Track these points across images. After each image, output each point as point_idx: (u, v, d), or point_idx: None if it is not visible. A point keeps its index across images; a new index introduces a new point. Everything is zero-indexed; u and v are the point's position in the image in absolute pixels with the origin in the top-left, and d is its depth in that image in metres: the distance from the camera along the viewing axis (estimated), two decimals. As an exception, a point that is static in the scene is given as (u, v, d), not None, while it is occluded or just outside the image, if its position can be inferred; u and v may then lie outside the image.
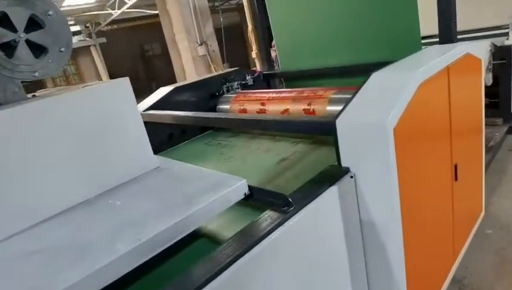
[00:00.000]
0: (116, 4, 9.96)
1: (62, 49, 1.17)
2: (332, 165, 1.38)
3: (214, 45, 6.30)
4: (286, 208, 1.14)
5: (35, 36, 1.12)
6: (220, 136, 2.56)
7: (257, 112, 2.47)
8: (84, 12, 11.02)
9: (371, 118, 1.22)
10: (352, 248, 1.35)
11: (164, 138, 2.65)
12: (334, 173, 1.33)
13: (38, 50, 1.14)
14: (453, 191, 1.81)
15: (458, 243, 2.02)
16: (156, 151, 2.69)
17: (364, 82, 1.44)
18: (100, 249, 0.89)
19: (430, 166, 1.60)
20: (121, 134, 1.21)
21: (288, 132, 1.53)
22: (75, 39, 12.78)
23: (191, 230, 1.03)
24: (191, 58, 5.96)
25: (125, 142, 1.21)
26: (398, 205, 1.32)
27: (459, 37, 3.38)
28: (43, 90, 1.99)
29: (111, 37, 15.22)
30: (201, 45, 6.14)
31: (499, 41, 4.15)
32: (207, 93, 2.87)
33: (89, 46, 12.86)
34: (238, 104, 2.66)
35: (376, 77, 1.46)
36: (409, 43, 2.26)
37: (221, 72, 3.10)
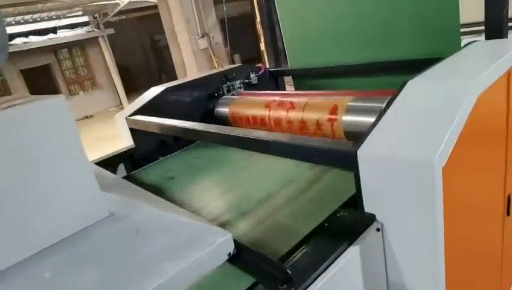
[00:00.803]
0: (123, -7, 9.62)
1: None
2: (350, 210, 1.01)
3: (217, 36, 5.81)
4: (285, 287, 0.78)
5: None
6: (218, 146, 2.21)
7: (259, 121, 2.10)
8: (91, 2, 10.72)
9: (411, 153, 0.85)
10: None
11: (154, 146, 2.31)
12: (354, 223, 0.96)
13: None
14: (504, 228, 1.42)
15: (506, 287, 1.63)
16: (146, 161, 2.40)
17: (396, 94, 1.06)
18: None
19: (481, 202, 1.21)
20: (52, 174, 0.85)
21: (293, 158, 1.17)
22: (83, 30, 12.53)
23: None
24: (192, 52, 5.52)
25: (57, 186, 0.86)
26: (443, 267, 0.94)
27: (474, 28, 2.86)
28: None
29: (120, 27, 14.92)
30: (202, 37, 5.66)
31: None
32: (204, 93, 2.51)
33: (97, 37, 12.58)
34: (239, 108, 2.29)
35: (413, 86, 1.07)
36: (445, 35, 1.85)
37: (221, 69, 2.73)
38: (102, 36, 12.32)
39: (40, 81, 12.74)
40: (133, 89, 15.79)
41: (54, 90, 13.06)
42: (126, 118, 2.18)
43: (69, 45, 12.69)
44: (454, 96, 0.93)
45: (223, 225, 1.30)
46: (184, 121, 1.69)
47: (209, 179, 1.84)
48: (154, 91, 2.35)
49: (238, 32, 16.96)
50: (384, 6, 2.01)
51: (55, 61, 12.64)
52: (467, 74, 1.06)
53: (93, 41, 12.92)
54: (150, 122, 1.94)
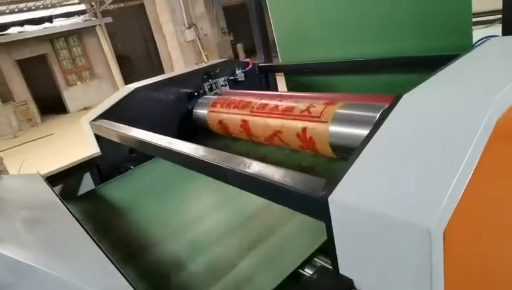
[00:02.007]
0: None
1: None
2: (321, 269, 0.76)
3: (206, 27, 5.40)
4: None
5: None
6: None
7: (240, 127, 1.84)
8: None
9: (401, 209, 0.59)
10: None
11: (123, 154, 2.06)
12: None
13: None
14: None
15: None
16: (115, 171, 2.12)
17: (385, 113, 0.80)
18: None
19: (499, 262, 0.95)
20: None
21: (250, 192, 0.92)
22: (79, 19, 12.21)
23: None
24: (177, 44, 5.16)
25: None
26: None
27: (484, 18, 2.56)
28: None
29: (119, 16, 14.61)
30: (189, 28, 5.31)
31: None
32: (182, 93, 2.25)
33: (95, 26, 12.26)
34: (217, 110, 2.03)
35: (409, 103, 0.80)
36: (455, 28, 1.57)
37: (204, 65, 2.46)
38: (99, 25, 12.01)
39: (37, 72, 12.51)
40: (133, 78, 15.52)
41: (51, 81, 12.83)
42: (90, 123, 1.94)
43: (65, 34, 12.39)
44: (466, 121, 0.67)
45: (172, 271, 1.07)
46: (145, 132, 1.43)
47: (179, 198, 1.60)
48: (124, 91, 2.09)
49: (240, 21, 16.57)
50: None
51: (51, 51, 12.36)
52: (483, 87, 0.79)
53: (90, 30, 12.62)
54: (111, 129, 1.69)
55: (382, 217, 0.60)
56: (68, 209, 1.17)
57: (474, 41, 1.50)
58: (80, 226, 1.03)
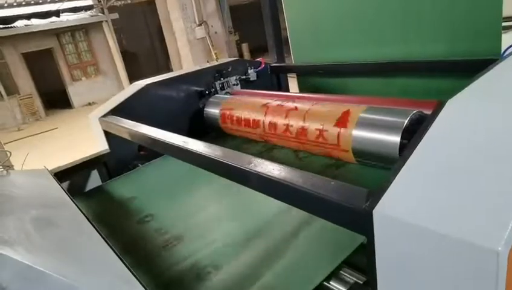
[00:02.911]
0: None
1: None
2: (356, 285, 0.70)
3: (216, 25, 5.30)
4: None
5: None
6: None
7: (252, 125, 1.78)
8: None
9: (462, 228, 0.53)
10: None
11: (131, 151, 2.01)
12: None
13: None
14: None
15: None
16: (123, 168, 2.07)
17: (430, 120, 0.74)
18: None
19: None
20: None
21: (286, 202, 0.86)
22: (86, 14, 12.16)
23: None
24: (187, 42, 5.09)
25: None
26: None
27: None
28: None
29: (126, 12, 14.57)
30: (200, 25, 5.19)
31: None
32: (194, 91, 2.19)
33: (101, 22, 12.21)
34: (231, 109, 1.97)
35: (455, 109, 0.74)
36: (483, 32, 1.50)
37: (214, 63, 2.40)
38: (106, 21, 11.96)
39: (42, 66, 12.48)
40: (139, 75, 15.47)
41: (56, 75, 12.80)
42: (99, 119, 1.88)
43: (72, 29, 12.36)
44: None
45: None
46: (156, 129, 1.38)
47: (187, 200, 1.54)
48: (134, 87, 2.04)
49: (245, 20, 16.50)
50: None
51: (57, 46, 12.32)
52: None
53: (97, 25, 12.57)
54: (121, 126, 1.63)
55: (438, 236, 0.54)
56: (79, 209, 1.12)
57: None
58: (93, 228, 0.98)
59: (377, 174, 1.32)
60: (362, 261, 0.87)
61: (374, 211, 0.61)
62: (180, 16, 4.92)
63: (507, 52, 1.35)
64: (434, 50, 1.68)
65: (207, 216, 1.37)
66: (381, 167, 1.31)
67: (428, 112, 1.26)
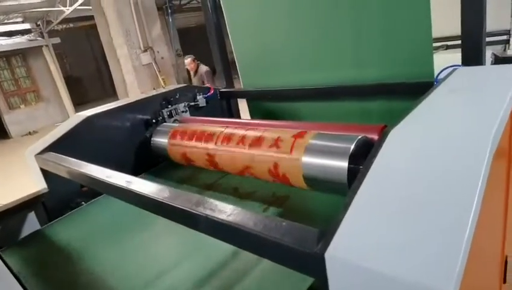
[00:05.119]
0: (68, 1, 8.90)
1: None
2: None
3: (162, 50, 5.20)
4: None
5: None
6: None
7: (206, 161, 1.73)
8: (33, 9, 9.86)
9: (412, 271, 0.52)
10: None
11: (73, 189, 1.85)
12: None
13: None
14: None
15: None
16: (65, 208, 1.90)
17: (376, 149, 0.74)
18: None
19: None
20: None
21: (234, 245, 0.81)
22: (23, 39, 11.49)
23: None
24: (132, 68, 4.93)
25: None
26: None
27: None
28: None
29: (68, 36, 13.98)
30: (145, 51, 5.12)
31: (496, 50, 3.59)
32: (140, 120, 2.10)
33: (41, 46, 11.60)
34: (178, 139, 1.90)
35: (400, 137, 0.76)
36: (417, 56, 1.60)
37: (161, 90, 2.33)
38: (46, 45, 11.38)
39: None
40: (84, 102, 14.77)
41: (-9, 104, 11.87)
42: (35, 156, 1.73)
43: (7, 54, 11.59)
44: (468, 160, 0.63)
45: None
46: (97, 168, 1.28)
47: (135, 242, 1.44)
48: (75, 119, 1.91)
49: (195, 42, 16.56)
50: (351, 22, 1.73)
51: (-9, 72, 11.50)
52: (475, 122, 0.76)
53: (36, 50, 11.92)
54: (59, 164, 1.50)
55: (390, 279, 0.52)
56: (4, 261, 0.99)
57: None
58: (18, 283, 0.86)
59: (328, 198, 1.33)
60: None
61: (325, 254, 0.59)
62: (123, 42, 4.76)
63: (440, 76, 1.43)
64: (369, 74, 1.76)
65: (161, 260, 1.29)
66: (332, 192, 1.32)
67: (373, 136, 1.30)
